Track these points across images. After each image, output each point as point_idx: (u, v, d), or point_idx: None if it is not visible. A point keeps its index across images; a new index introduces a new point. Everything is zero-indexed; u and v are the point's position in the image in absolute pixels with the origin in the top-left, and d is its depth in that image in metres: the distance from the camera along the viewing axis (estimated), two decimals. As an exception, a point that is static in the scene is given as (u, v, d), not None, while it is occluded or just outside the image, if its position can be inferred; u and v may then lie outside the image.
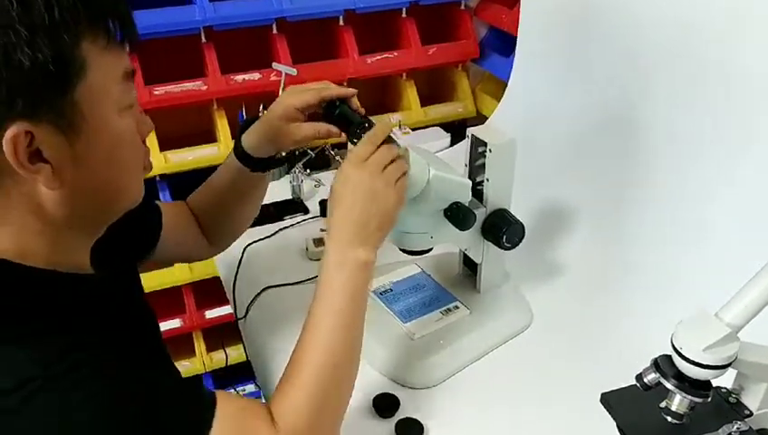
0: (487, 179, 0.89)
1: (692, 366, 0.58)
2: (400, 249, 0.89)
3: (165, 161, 1.41)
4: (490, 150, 0.87)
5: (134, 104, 0.58)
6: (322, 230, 1.14)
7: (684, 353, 0.59)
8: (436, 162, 0.83)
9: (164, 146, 1.42)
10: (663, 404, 0.62)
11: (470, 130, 0.90)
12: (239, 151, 0.84)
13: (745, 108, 0.90)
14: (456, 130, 1.59)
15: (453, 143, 1.54)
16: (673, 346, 0.60)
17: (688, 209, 0.98)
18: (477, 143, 0.90)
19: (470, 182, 0.86)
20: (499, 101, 1.55)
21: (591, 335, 0.94)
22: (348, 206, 0.68)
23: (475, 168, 0.92)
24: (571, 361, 0.90)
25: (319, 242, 1.10)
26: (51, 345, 0.51)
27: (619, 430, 0.67)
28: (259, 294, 1.04)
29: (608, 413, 0.68)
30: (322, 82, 0.83)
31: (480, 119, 1.64)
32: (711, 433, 0.63)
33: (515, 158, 0.89)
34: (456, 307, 0.95)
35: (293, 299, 1.00)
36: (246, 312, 1.03)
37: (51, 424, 0.49)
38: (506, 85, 1.52)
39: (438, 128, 1.59)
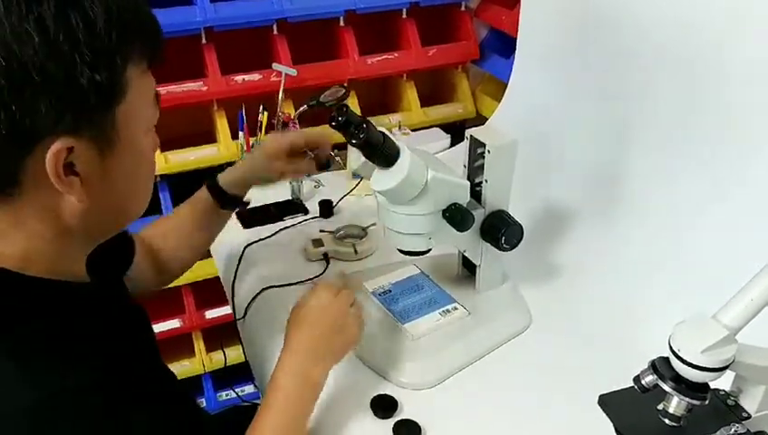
0: (486, 181, 0.89)
1: (690, 368, 0.58)
2: (399, 250, 0.89)
3: (165, 162, 1.42)
4: (489, 151, 0.87)
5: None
6: (322, 231, 1.14)
7: (682, 356, 0.59)
8: (435, 163, 0.83)
9: (164, 146, 1.42)
10: (660, 406, 0.62)
11: (469, 131, 0.90)
12: (214, 187, 0.93)
13: (745, 108, 0.90)
14: (456, 130, 1.58)
15: (453, 144, 1.54)
16: (671, 348, 0.60)
17: (689, 211, 0.97)
18: (476, 144, 0.90)
19: (468, 183, 0.86)
20: (499, 102, 1.54)
21: (590, 336, 0.94)
22: (316, 326, 0.75)
23: (474, 169, 0.92)
24: (569, 362, 0.90)
25: (318, 243, 1.10)
26: (44, 365, 0.51)
27: (617, 432, 0.67)
28: (258, 294, 1.04)
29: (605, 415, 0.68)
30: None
31: (480, 120, 1.64)
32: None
33: (515, 159, 0.89)
34: (455, 308, 0.95)
35: (293, 300, 0.99)
36: (245, 312, 1.03)
37: None
38: (506, 86, 1.52)
39: (438, 129, 1.59)
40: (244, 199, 0.97)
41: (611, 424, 0.67)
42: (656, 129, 1.05)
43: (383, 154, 0.77)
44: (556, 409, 0.83)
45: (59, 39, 0.47)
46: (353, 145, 0.76)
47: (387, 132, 0.78)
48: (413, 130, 1.57)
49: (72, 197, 0.53)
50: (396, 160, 0.78)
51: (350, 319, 0.78)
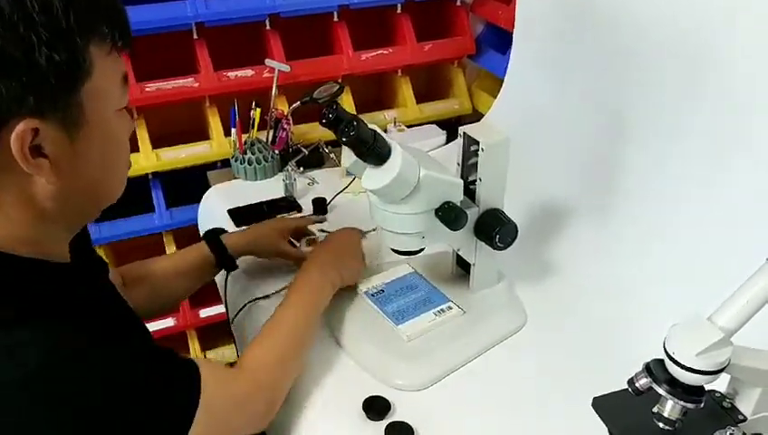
0: (480, 179, 0.87)
1: (685, 371, 0.57)
2: (392, 250, 0.88)
3: (157, 159, 1.40)
4: (482, 149, 0.85)
5: (126, 106, 0.61)
6: (322, 231, 1.13)
7: (676, 358, 0.57)
8: (428, 161, 0.82)
9: (156, 144, 1.41)
10: (655, 410, 0.61)
11: (462, 129, 0.89)
12: (216, 245, 0.98)
13: (744, 107, 0.89)
14: (451, 127, 1.57)
15: (448, 141, 1.52)
16: (665, 351, 0.59)
17: (684, 209, 0.96)
18: (470, 142, 0.88)
19: (461, 181, 0.85)
20: (496, 98, 1.53)
21: (586, 336, 0.93)
22: (330, 248, 0.95)
23: (468, 167, 0.90)
24: (565, 362, 0.89)
25: (312, 242, 1.09)
26: (38, 330, 0.53)
27: (611, 435, 0.66)
28: (245, 305, 1.02)
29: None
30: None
31: (476, 116, 1.63)
32: (704, 439, 0.62)
33: (508, 157, 0.88)
34: (450, 308, 0.94)
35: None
36: (238, 312, 1.02)
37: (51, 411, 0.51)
38: (503, 82, 1.50)
39: (434, 125, 1.58)
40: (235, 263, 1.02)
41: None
42: (652, 126, 1.04)
43: (374, 152, 0.75)
44: (551, 409, 0.82)
45: (14, 20, 0.48)
46: (343, 143, 0.75)
47: (378, 130, 0.77)
48: (408, 127, 1.56)
49: (42, 178, 0.54)
50: (387, 158, 0.76)
51: (358, 251, 0.98)
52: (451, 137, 1.52)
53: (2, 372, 0.51)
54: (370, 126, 0.76)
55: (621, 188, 1.07)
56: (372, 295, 0.96)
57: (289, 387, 0.80)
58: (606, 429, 0.66)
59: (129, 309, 0.73)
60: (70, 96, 0.53)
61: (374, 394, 0.82)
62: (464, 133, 0.89)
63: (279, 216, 1.22)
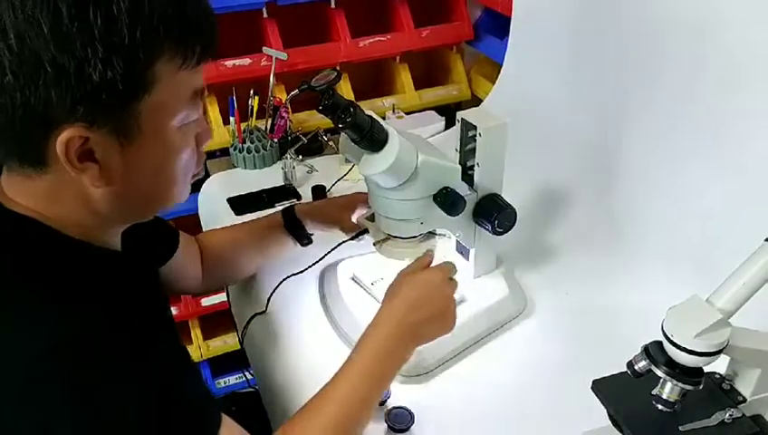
0: (477, 164, 0.87)
1: (683, 353, 0.57)
2: (390, 235, 0.88)
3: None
4: (480, 134, 0.85)
5: (199, 118, 0.60)
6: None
7: (675, 340, 0.58)
8: (425, 147, 0.82)
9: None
10: (655, 392, 0.61)
11: (460, 114, 0.88)
12: (287, 211, 0.98)
13: (746, 97, 0.88)
14: (450, 113, 1.56)
15: (447, 127, 1.52)
16: (663, 332, 0.59)
17: (685, 195, 0.96)
18: (468, 127, 0.88)
19: (459, 167, 0.84)
20: (495, 83, 1.53)
21: (586, 320, 0.93)
22: (423, 306, 0.74)
23: (466, 152, 0.90)
24: (565, 346, 0.89)
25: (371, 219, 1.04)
26: (72, 308, 0.53)
27: (610, 417, 0.66)
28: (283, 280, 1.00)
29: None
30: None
31: (475, 102, 1.62)
32: (704, 420, 0.63)
33: (506, 142, 0.87)
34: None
35: (285, 286, 0.99)
36: (271, 294, 0.99)
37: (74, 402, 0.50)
38: (501, 67, 1.49)
39: (433, 111, 1.57)
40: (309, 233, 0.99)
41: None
42: (652, 112, 1.03)
43: (371, 138, 0.75)
44: (552, 393, 0.82)
45: (72, 32, 0.47)
46: (340, 129, 0.74)
47: (375, 116, 0.76)
48: (407, 114, 1.55)
49: (90, 182, 0.54)
50: (384, 145, 0.76)
51: (452, 307, 0.77)
52: (450, 123, 1.51)
53: (24, 348, 0.50)
54: (367, 112, 0.76)
55: (621, 171, 1.07)
56: (372, 284, 0.96)
57: None
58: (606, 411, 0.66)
59: (166, 308, 0.73)
60: (124, 110, 0.52)
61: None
62: (462, 119, 0.88)
63: (278, 204, 1.22)
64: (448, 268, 0.79)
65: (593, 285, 0.99)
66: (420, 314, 0.73)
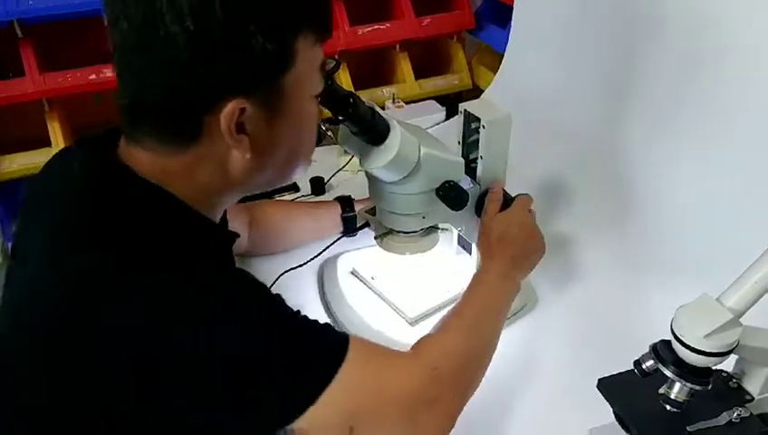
0: (481, 157, 0.85)
1: (693, 353, 0.56)
2: (391, 230, 0.86)
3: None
4: (483, 126, 0.83)
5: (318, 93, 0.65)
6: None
7: (684, 341, 0.56)
8: (428, 139, 0.80)
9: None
10: (662, 391, 0.60)
11: (463, 106, 0.86)
12: (344, 199, 1.04)
13: (750, 84, 0.86)
14: (451, 103, 1.54)
15: (448, 117, 1.50)
16: (673, 333, 0.58)
17: (689, 189, 0.95)
18: (470, 119, 0.86)
19: (462, 160, 0.83)
20: (496, 73, 1.51)
21: (591, 315, 0.92)
22: (518, 242, 0.81)
23: (469, 144, 0.88)
24: (571, 341, 0.88)
25: (372, 212, 1.03)
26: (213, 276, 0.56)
27: (616, 416, 0.65)
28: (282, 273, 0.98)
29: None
30: None
31: (477, 91, 1.60)
32: (711, 419, 0.62)
33: (510, 134, 0.86)
34: (460, 287, 0.92)
35: (284, 281, 0.97)
36: (270, 287, 0.98)
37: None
38: (503, 57, 1.47)
39: (433, 101, 1.55)
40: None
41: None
42: (655, 101, 1.01)
43: (372, 131, 0.73)
44: (558, 387, 0.81)
45: (237, 11, 0.53)
46: (339, 121, 0.73)
47: (376, 107, 0.75)
48: (407, 103, 1.53)
49: (241, 153, 0.59)
50: (386, 137, 0.74)
51: (537, 232, 0.84)
52: (451, 113, 1.49)
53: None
54: (368, 103, 0.74)
55: (624, 164, 1.06)
56: (372, 278, 0.95)
57: (472, 393, 0.69)
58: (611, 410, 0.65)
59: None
60: (275, 81, 0.57)
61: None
62: (464, 111, 0.86)
63: (277, 196, 1.20)
64: (525, 201, 0.85)
65: (599, 277, 0.97)
66: (511, 242, 0.80)
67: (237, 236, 0.69)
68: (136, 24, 0.52)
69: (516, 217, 0.83)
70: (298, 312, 0.59)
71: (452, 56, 1.66)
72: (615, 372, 0.66)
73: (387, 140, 0.74)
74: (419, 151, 0.76)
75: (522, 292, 0.94)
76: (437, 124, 1.48)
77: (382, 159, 0.74)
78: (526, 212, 0.84)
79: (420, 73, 1.61)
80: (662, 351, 0.59)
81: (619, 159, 1.06)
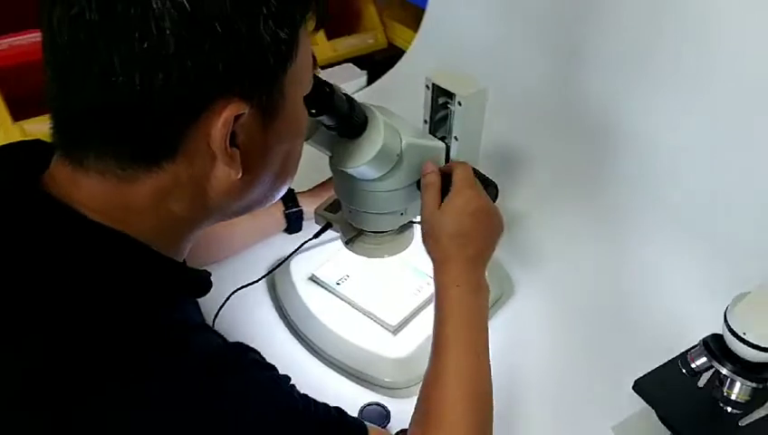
0: (456, 138, 0.75)
1: (756, 350, 0.51)
2: (363, 231, 0.75)
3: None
4: (460, 103, 0.72)
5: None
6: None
7: (748, 339, 0.51)
8: (403, 125, 0.68)
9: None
10: (724, 393, 0.55)
11: (430, 79, 0.75)
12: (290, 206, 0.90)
13: (728, 67, 0.82)
14: (372, 65, 1.41)
15: (370, 82, 1.37)
16: (731, 329, 0.52)
17: (660, 143, 0.91)
18: (439, 93, 0.75)
19: (444, 146, 0.72)
20: (413, 29, 1.39)
21: (574, 304, 0.85)
22: (473, 228, 0.65)
23: (436, 122, 0.77)
24: (553, 332, 0.82)
25: (334, 208, 0.89)
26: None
27: (662, 420, 0.60)
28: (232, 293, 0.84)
29: (641, 399, 0.60)
30: None
31: (393, 50, 1.48)
32: (758, 409, 0.58)
33: (484, 110, 0.76)
34: (429, 284, 0.83)
35: (234, 301, 0.82)
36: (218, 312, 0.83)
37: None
38: (421, 11, 1.36)
39: (351, 64, 1.41)
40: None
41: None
42: (612, 52, 0.95)
43: (350, 122, 0.61)
44: (540, 380, 0.75)
45: None
46: (312, 115, 0.59)
47: (349, 93, 0.62)
48: (322, 68, 1.38)
49: (228, 172, 0.47)
50: (364, 129, 0.62)
51: (493, 210, 0.68)
52: (373, 77, 1.37)
53: None
54: (340, 89, 0.61)
55: (581, 124, 1.00)
56: (338, 284, 0.83)
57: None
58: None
59: None
60: (276, 79, 0.46)
61: (370, 402, 0.71)
62: (432, 84, 0.75)
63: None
64: (465, 175, 0.67)
65: (572, 252, 0.92)
66: (475, 243, 0.65)
67: (209, 278, 0.55)
68: None
69: (463, 202, 0.65)
70: (305, 396, 0.50)
71: (361, 12, 1.52)
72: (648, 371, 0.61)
73: (365, 133, 0.62)
74: (401, 142, 0.64)
75: (496, 286, 0.87)
76: (361, 90, 1.35)
77: (364, 156, 0.62)
78: (472, 189, 0.66)
79: (331, 34, 1.45)
80: (716, 348, 0.54)
81: (576, 120, 1.00)
